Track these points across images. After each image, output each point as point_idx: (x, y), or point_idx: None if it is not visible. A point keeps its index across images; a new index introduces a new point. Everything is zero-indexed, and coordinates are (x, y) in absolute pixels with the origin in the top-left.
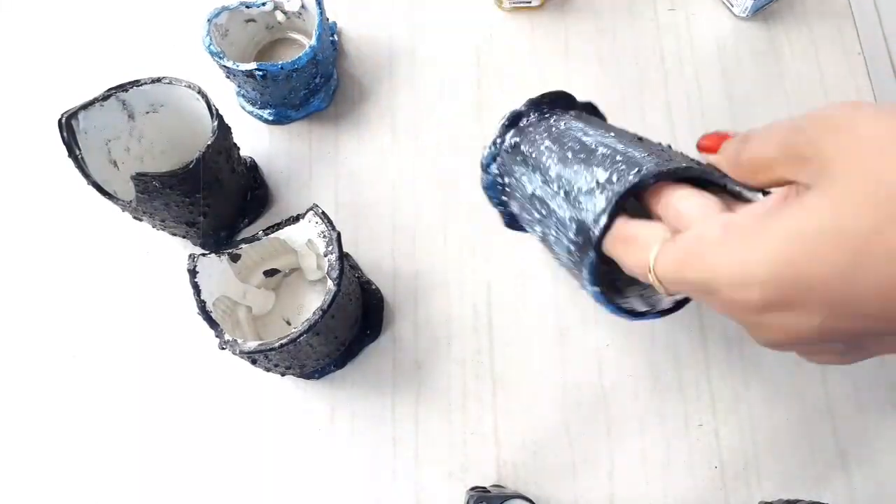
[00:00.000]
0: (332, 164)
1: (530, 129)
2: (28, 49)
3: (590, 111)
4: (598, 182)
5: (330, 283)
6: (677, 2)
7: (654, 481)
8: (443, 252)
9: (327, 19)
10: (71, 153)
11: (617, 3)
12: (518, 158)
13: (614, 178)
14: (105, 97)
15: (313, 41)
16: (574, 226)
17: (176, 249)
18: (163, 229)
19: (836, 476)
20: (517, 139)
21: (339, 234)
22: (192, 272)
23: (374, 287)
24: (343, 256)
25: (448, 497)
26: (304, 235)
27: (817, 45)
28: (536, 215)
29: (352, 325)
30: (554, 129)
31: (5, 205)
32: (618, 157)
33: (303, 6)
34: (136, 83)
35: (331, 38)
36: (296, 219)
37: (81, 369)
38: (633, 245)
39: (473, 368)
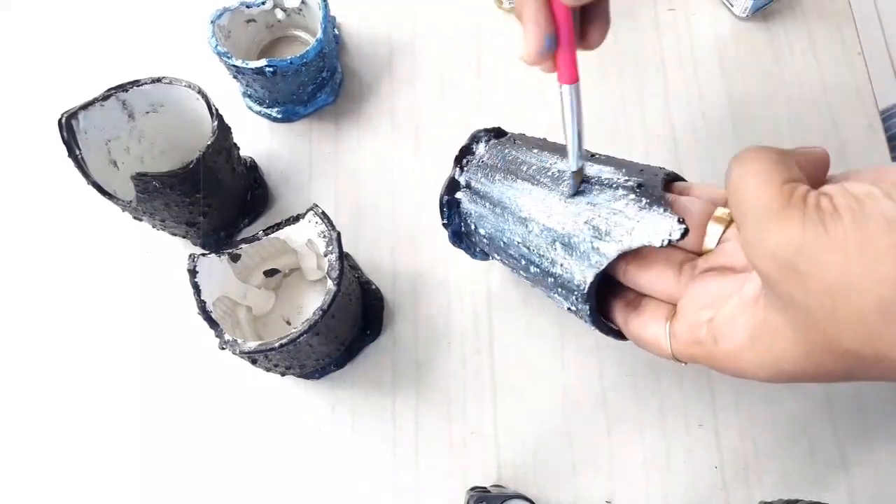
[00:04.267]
0: (332, 164)
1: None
2: (28, 49)
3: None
4: (562, 304)
5: (330, 283)
6: (677, 2)
7: (654, 481)
8: (443, 252)
9: None
10: (71, 153)
11: (617, 3)
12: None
13: (572, 309)
14: (105, 97)
15: (319, 34)
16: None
17: (176, 249)
18: (163, 229)
19: (836, 476)
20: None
21: (339, 234)
22: (192, 272)
23: (374, 287)
24: (343, 256)
25: (448, 497)
26: (304, 235)
27: (817, 45)
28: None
29: (352, 325)
30: (486, 229)
31: (5, 205)
32: (549, 280)
33: (303, 2)
34: (136, 83)
35: (333, 33)
36: (296, 219)
37: (82, 369)
38: (647, 344)
39: (473, 368)
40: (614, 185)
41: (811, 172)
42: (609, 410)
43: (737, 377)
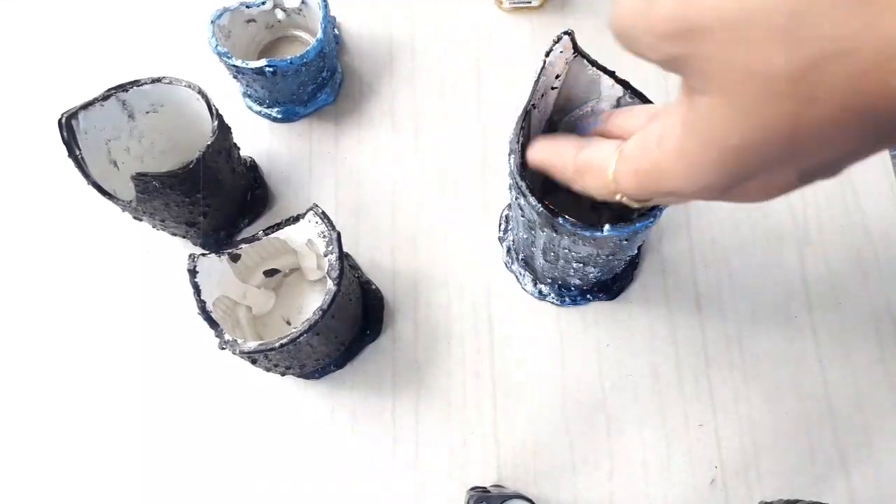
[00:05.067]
0: (332, 164)
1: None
2: (28, 49)
3: None
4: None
5: (330, 283)
6: None
7: (654, 481)
8: (443, 251)
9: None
10: (71, 153)
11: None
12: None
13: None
14: (105, 97)
15: (319, 34)
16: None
17: (176, 249)
18: (163, 229)
19: (836, 476)
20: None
21: (339, 234)
22: (192, 272)
23: (374, 287)
24: (343, 256)
25: (448, 497)
26: (304, 235)
27: None
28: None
29: (352, 325)
30: None
31: (5, 205)
32: (518, 201)
33: (303, 2)
34: (136, 83)
35: (333, 32)
36: (296, 219)
37: (82, 369)
38: (591, 171)
39: (473, 368)
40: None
41: None
42: (609, 410)
43: (693, 185)
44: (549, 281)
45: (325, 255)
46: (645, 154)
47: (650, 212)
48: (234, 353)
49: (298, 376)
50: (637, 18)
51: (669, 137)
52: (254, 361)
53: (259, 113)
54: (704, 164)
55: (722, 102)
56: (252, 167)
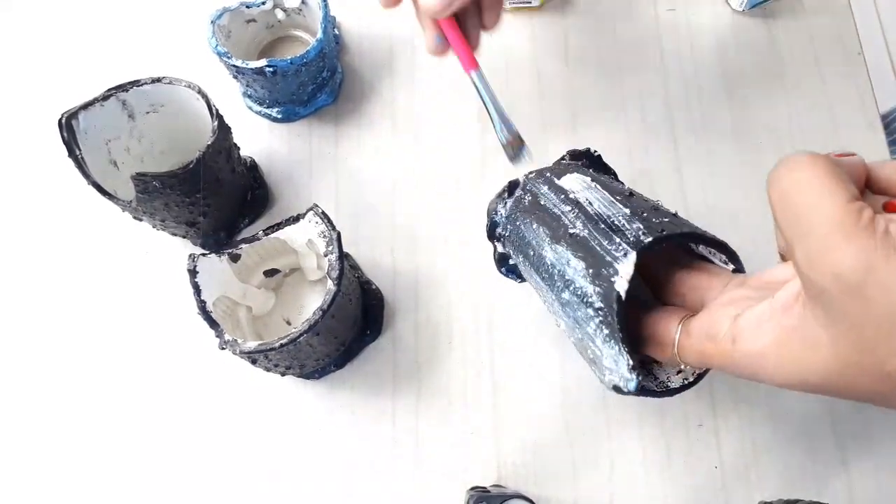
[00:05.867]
0: (332, 164)
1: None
2: (28, 49)
3: (592, 161)
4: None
5: (330, 283)
6: (677, 2)
7: (654, 481)
8: (443, 252)
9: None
10: (71, 153)
11: (617, 3)
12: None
13: (601, 305)
14: (105, 97)
15: (320, 34)
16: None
17: (176, 249)
18: (163, 229)
19: (836, 476)
20: (513, 212)
21: (339, 234)
22: (193, 272)
23: (374, 287)
24: (343, 256)
25: (448, 497)
26: (304, 235)
27: (817, 46)
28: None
29: (352, 325)
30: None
31: (5, 205)
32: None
33: (303, 2)
34: (136, 83)
35: (333, 32)
36: (296, 219)
37: (82, 369)
38: (657, 346)
39: (473, 368)
40: (584, 300)
41: (854, 183)
42: (609, 411)
43: (749, 379)
44: None
45: (325, 255)
46: (714, 342)
47: None
48: (234, 353)
49: (298, 376)
50: (829, 227)
51: (749, 339)
52: (254, 361)
53: (259, 113)
54: (775, 376)
55: (831, 351)
56: (252, 167)
